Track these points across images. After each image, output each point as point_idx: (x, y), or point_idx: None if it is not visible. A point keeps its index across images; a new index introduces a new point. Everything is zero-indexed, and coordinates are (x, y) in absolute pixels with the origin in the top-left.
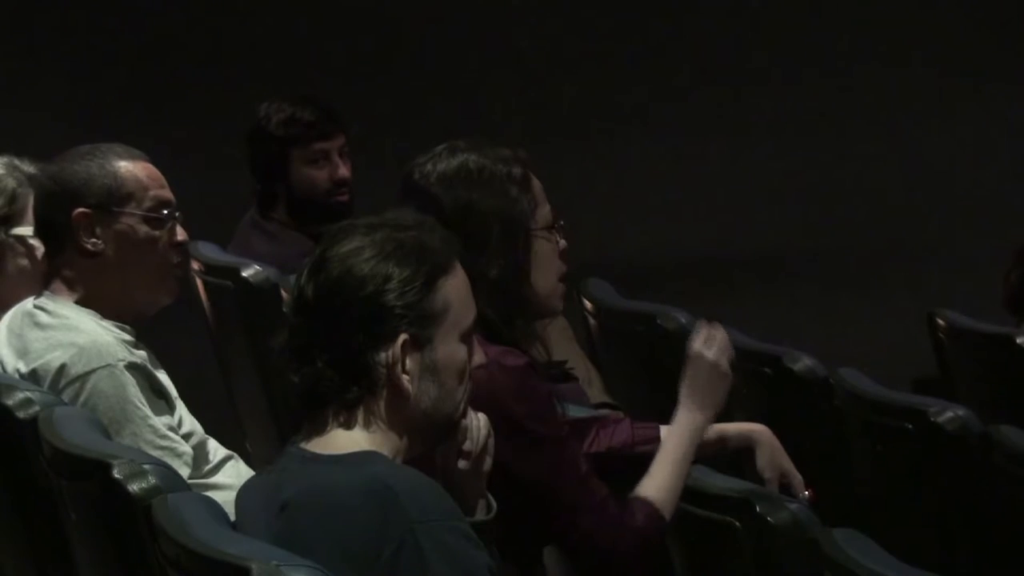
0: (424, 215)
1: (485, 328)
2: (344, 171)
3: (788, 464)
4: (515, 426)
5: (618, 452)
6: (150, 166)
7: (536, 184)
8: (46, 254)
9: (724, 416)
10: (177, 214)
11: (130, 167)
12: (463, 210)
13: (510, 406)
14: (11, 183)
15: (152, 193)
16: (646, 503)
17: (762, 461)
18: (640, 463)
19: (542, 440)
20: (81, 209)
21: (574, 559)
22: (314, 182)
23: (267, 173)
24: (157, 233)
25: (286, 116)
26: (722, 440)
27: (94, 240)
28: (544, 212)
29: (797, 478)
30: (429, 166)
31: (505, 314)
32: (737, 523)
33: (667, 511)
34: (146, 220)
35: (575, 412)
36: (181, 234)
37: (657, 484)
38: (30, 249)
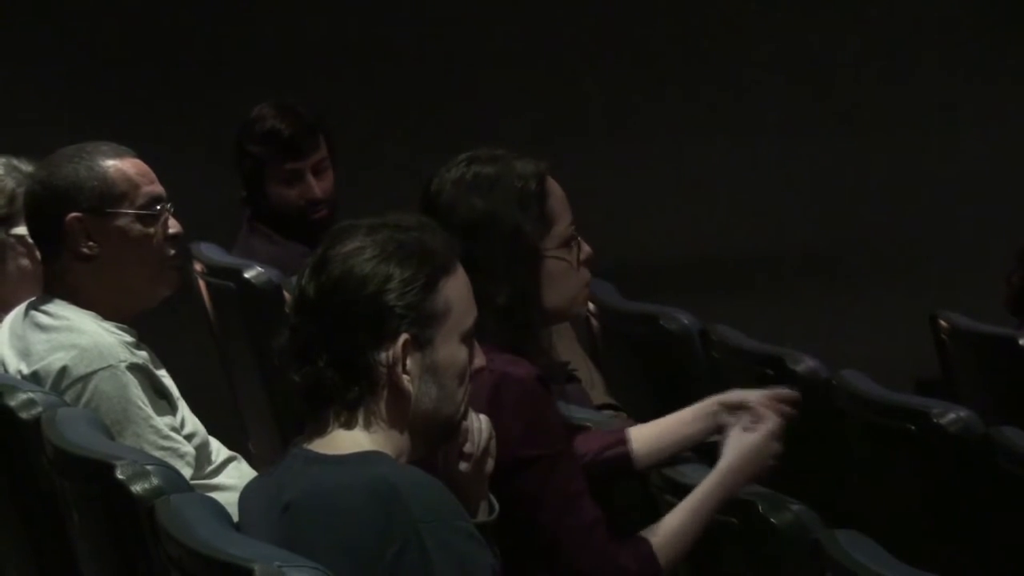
0: (428, 218)
1: (492, 339)
2: (316, 191)
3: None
4: (510, 446)
5: (588, 460)
6: (138, 162)
7: (554, 199)
8: (42, 260)
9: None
10: (169, 207)
11: (118, 166)
12: (472, 232)
13: (508, 424)
14: (10, 183)
15: (143, 190)
16: (645, 544)
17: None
18: (611, 469)
19: (532, 459)
20: (74, 214)
21: None
22: (287, 200)
23: (247, 186)
24: (151, 230)
25: (264, 130)
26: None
27: (90, 244)
28: (560, 229)
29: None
30: (442, 182)
31: (514, 335)
32: (739, 523)
33: (666, 559)
34: (139, 218)
35: (576, 414)
36: (174, 226)
37: (666, 529)
38: (30, 249)
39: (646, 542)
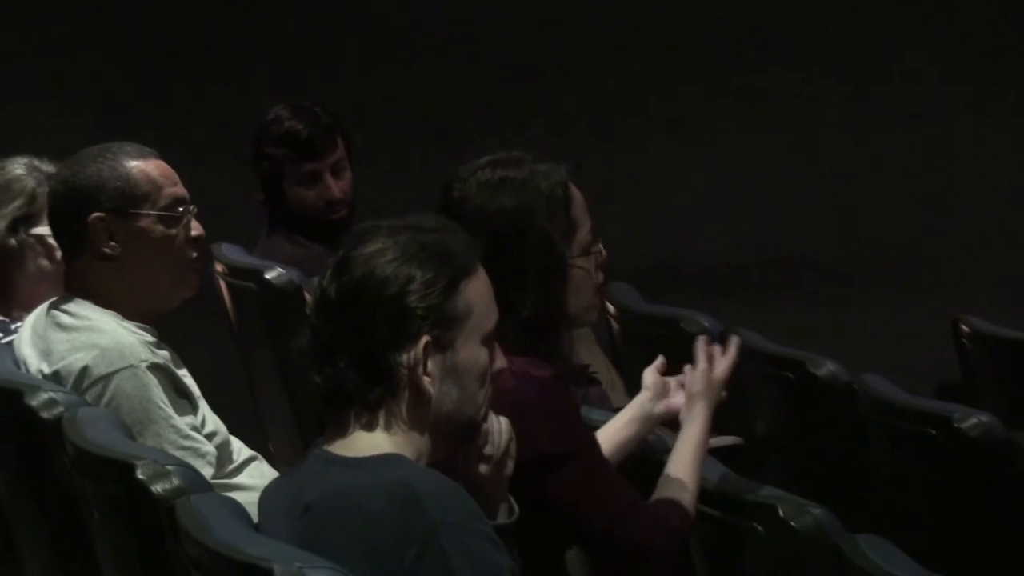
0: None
1: (513, 343)
2: (335, 191)
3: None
4: (538, 446)
5: None
6: (161, 163)
7: (577, 205)
8: (64, 259)
9: (745, 425)
10: (192, 209)
11: (142, 167)
12: (500, 239)
13: (533, 425)
14: (30, 183)
15: (166, 192)
16: (677, 504)
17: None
18: None
19: (566, 457)
20: (97, 214)
21: (611, 564)
22: (306, 201)
23: (265, 188)
24: (173, 231)
25: (281, 132)
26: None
27: (112, 244)
28: (582, 235)
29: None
30: (465, 186)
31: (536, 340)
32: (760, 527)
33: (693, 510)
34: (162, 219)
35: (596, 417)
36: (197, 228)
37: (683, 485)
38: (50, 248)
39: (678, 502)
